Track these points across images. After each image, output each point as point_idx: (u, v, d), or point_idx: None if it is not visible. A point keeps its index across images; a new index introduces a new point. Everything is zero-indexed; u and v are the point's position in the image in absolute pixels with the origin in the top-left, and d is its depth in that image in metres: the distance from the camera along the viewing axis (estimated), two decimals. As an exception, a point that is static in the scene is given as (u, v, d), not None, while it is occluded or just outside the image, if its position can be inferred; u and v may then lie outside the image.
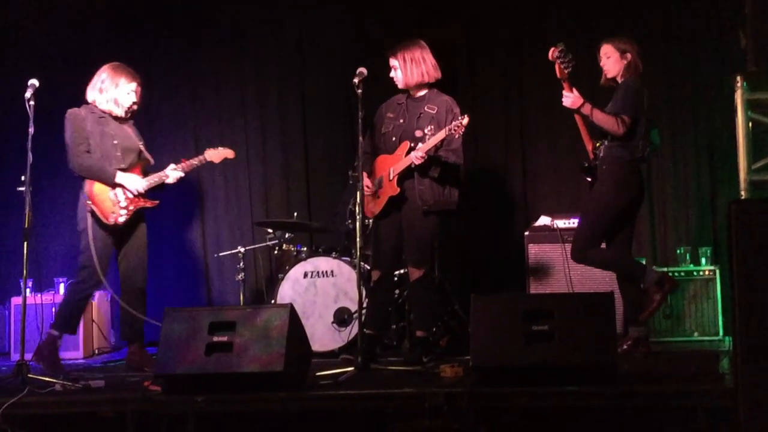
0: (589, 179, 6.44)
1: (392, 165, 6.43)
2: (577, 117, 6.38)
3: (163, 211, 8.74)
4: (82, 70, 8.35)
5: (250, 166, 8.76)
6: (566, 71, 6.31)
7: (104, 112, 6.75)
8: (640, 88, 6.32)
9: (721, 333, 7.18)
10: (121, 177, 6.66)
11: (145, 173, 6.83)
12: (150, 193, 6.81)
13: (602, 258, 6.39)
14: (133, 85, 6.81)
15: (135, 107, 6.86)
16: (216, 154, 7.01)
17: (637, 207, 6.45)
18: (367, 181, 6.46)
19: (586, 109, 6.30)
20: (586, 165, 6.43)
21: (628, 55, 6.35)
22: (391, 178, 6.42)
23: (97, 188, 6.64)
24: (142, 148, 6.89)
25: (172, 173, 6.85)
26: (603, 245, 6.37)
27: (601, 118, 6.27)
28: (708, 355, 6.32)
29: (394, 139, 6.50)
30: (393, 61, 6.54)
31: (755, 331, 4.49)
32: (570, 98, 6.34)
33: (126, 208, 6.67)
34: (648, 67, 7.85)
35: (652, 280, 6.25)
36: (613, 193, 6.28)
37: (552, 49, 6.31)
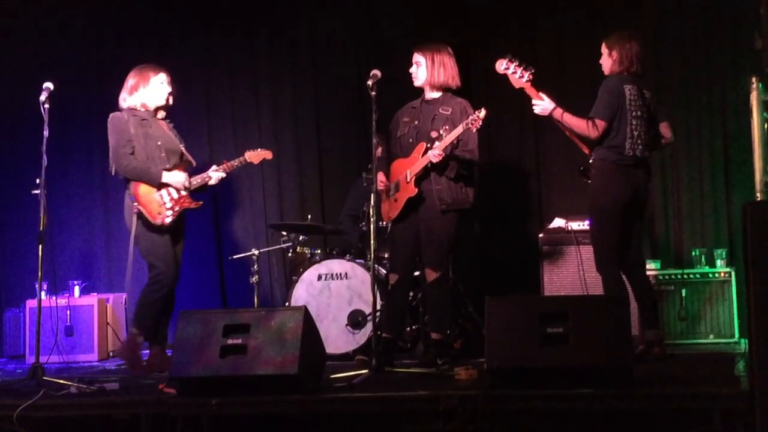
0: (590, 182, 6.33)
1: (408, 167, 6.42)
2: (557, 123, 6.24)
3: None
4: (96, 72, 8.37)
5: (263, 168, 8.73)
6: (524, 80, 6.16)
7: (145, 112, 6.75)
8: (616, 87, 6.11)
9: (736, 335, 7.14)
10: (167, 176, 6.68)
11: (188, 174, 6.84)
12: (192, 194, 6.83)
13: (615, 286, 6.11)
14: (162, 76, 6.82)
15: (171, 97, 6.86)
16: (255, 155, 7.06)
17: (633, 210, 6.21)
18: (381, 176, 6.45)
19: (557, 113, 6.14)
20: (582, 168, 6.33)
21: (614, 54, 6.19)
22: (409, 179, 6.40)
23: (143, 189, 6.65)
24: (183, 149, 6.91)
25: (215, 174, 6.90)
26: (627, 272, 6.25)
27: (572, 122, 6.11)
28: (723, 357, 6.29)
29: (411, 140, 6.47)
30: (418, 57, 6.50)
31: (771, 333, 4.48)
32: (540, 106, 6.18)
33: (172, 209, 6.69)
34: (663, 67, 7.84)
35: (653, 335, 6.21)
36: (598, 197, 6.13)
37: (498, 62, 6.19)
